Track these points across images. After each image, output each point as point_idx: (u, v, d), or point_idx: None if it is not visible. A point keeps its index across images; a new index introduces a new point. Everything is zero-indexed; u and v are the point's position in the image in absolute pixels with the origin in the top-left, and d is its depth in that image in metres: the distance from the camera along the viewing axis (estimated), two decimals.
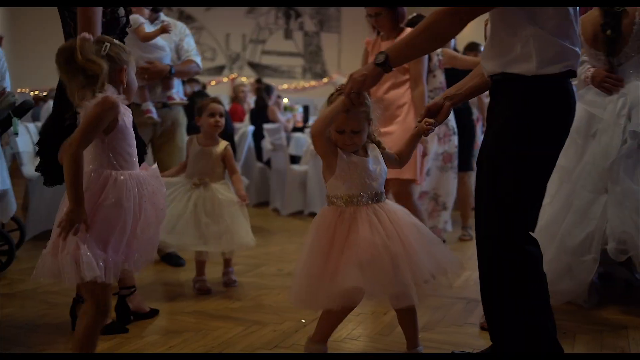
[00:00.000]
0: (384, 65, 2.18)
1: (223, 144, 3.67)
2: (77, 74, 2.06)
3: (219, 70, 13.64)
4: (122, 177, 2.09)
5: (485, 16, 2.26)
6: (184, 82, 6.04)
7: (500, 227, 2.17)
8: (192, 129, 4.60)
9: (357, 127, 2.33)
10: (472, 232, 5.26)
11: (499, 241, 2.18)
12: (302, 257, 2.38)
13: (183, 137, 4.45)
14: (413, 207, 3.71)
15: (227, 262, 3.79)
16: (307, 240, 2.40)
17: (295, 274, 2.43)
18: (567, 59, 2.11)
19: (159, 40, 4.21)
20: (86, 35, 2.10)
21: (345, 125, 2.31)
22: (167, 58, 4.27)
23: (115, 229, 2.07)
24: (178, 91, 4.40)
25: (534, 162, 2.15)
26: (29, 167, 5.26)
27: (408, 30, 3.66)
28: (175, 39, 4.44)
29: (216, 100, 3.71)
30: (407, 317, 2.48)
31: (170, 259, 4.38)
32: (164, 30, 4.16)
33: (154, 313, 3.16)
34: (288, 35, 14.30)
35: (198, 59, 4.51)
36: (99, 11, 2.70)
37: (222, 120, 3.65)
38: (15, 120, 3.88)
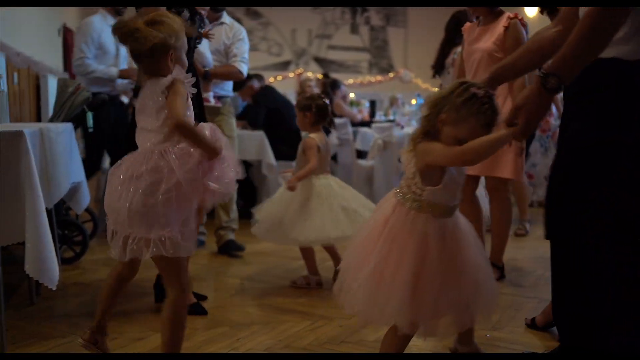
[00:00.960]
0: (558, 90, 1.97)
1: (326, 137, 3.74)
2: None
3: (285, 66, 13.70)
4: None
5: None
6: (249, 78, 6.10)
7: (598, 224, 2.05)
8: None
9: None
10: (529, 227, 5.19)
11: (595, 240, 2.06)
12: (376, 260, 2.08)
13: (232, 126, 4.47)
14: (507, 204, 3.70)
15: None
16: (382, 243, 2.10)
17: (359, 279, 2.11)
18: None
19: (201, 46, 4.09)
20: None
21: (471, 138, 2.02)
22: (204, 62, 4.20)
23: (192, 204, 2.14)
24: (217, 91, 4.43)
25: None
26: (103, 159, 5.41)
27: (506, 14, 3.53)
28: (227, 42, 4.44)
29: (322, 98, 3.66)
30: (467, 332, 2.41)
31: (230, 247, 4.45)
32: (205, 35, 4.06)
33: (200, 299, 3.24)
34: (354, 30, 14.23)
35: (244, 67, 4.43)
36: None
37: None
38: (89, 114, 3.98)
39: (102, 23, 4.95)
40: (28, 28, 6.96)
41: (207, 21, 4.32)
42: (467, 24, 3.87)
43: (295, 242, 3.53)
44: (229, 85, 4.62)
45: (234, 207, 4.60)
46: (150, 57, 2.11)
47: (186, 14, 2.95)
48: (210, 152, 2.08)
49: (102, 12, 5.07)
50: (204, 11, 4.16)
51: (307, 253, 3.67)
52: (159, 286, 3.01)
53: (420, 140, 2.11)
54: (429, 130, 2.11)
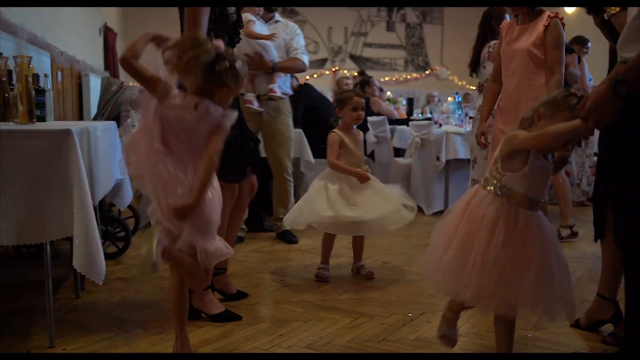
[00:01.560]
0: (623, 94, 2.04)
1: (360, 132, 3.85)
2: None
3: (321, 63, 13.71)
4: None
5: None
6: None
7: None
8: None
9: None
10: (563, 232, 4.99)
11: None
12: (458, 242, 2.20)
13: (290, 127, 4.77)
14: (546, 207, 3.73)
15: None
16: (462, 225, 2.22)
17: (444, 257, 2.23)
18: None
19: (265, 41, 4.50)
20: (216, 43, 2.22)
21: None
22: (271, 56, 4.54)
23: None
24: (280, 85, 4.61)
25: None
26: None
27: (546, 13, 3.50)
28: (287, 38, 4.78)
29: (359, 94, 3.76)
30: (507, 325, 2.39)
31: (285, 236, 4.74)
32: (268, 38, 4.48)
33: (241, 296, 3.31)
34: (390, 27, 14.19)
35: (305, 58, 4.80)
36: (205, 11, 2.76)
37: (363, 114, 3.75)
38: (132, 113, 4.05)
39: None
40: (71, 28, 7.08)
41: (276, 14, 4.78)
42: (506, 22, 3.84)
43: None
44: (288, 84, 4.89)
45: (292, 199, 4.86)
46: None
47: (233, 13, 2.98)
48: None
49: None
50: (260, 12, 4.41)
51: (327, 243, 3.81)
52: (191, 302, 3.04)
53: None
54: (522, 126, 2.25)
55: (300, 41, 4.84)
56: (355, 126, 3.76)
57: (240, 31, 3.10)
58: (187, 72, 2.18)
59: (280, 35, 4.72)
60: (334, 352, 2.61)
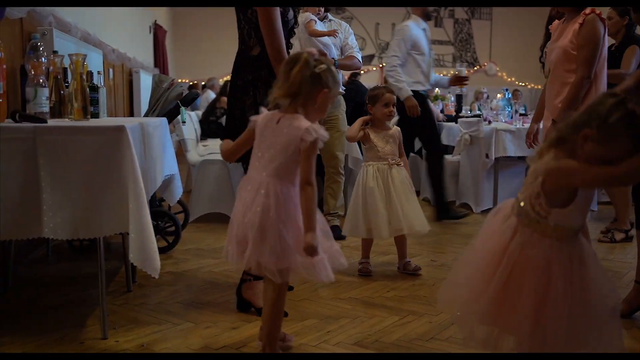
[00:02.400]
0: None
1: (395, 127, 3.87)
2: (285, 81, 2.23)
3: (368, 60, 13.68)
4: None
5: None
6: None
7: None
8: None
9: None
10: (617, 235, 4.82)
11: None
12: (495, 289, 1.91)
13: (344, 122, 4.86)
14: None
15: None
16: (503, 269, 1.90)
17: (478, 307, 1.95)
18: None
19: (326, 39, 4.68)
20: (313, 51, 2.25)
21: (620, 158, 1.79)
22: (331, 54, 4.66)
23: None
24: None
25: None
26: (193, 153, 5.55)
27: (586, 10, 3.42)
28: (342, 37, 4.89)
29: (390, 90, 3.83)
30: None
31: (333, 232, 4.58)
32: (331, 34, 4.66)
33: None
34: (438, 23, 14.08)
35: (359, 55, 4.93)
36: (277, 12, 2.84)
37: (394, 110, 3.80)
38: (182, 109, 4.10)
39: (416, 27, 5.44)
40: (122, 26, 7.20)
41: (329, 14, 4.90)
42: (555, 22, 3.77)
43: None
44: (341, 81, 4.98)
45: (341, 194, 4.95)
46: None
47: (291, 14, 3.03)
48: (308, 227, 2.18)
49: (413, 16, 5.53)
50: (320, 11, 4.69)
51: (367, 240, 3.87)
52: (240, 294, 3.06)
53: (552, 154, 1.88)
54: (561, 144, 1.87)
55: (353, 40, 4.97)
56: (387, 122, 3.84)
57: (295, 31, 3.14)
58: (296, 89, 2.20)
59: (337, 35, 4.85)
60: (382, 350, 2.61)
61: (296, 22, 3.11)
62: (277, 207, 2.19)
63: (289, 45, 3.03)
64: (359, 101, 6.14)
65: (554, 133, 1.91)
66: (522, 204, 1.92)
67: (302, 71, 2.18)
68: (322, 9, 4.81)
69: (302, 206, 2.18)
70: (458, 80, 5.80)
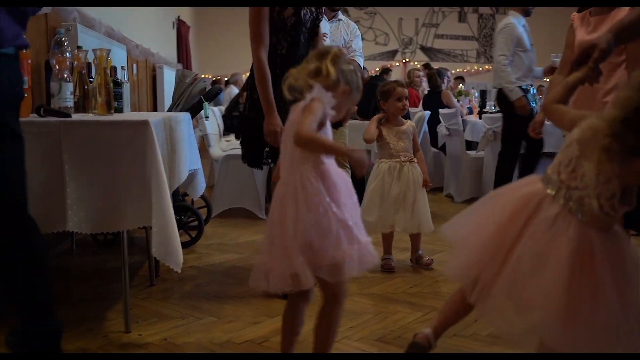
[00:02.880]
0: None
1: (408, 122, 3.85)
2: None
3: (391, 55, 13.63)
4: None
5: None
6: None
7: None
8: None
9: None
10: None
11: None
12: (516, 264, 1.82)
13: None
14: None
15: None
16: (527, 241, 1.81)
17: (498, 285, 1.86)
18: None
19: (327, 40, 4.45)
20: (344, 50, 2.18)
21: None
22: None
23: None
24: None
25: None
26: (216, 148, 5.57)
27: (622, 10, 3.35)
28: (346, 38, 4.79)
29: (401, 85, 3.82)
30: None
31: None
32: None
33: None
34: (462, 18, 13.98)
35: (361, 60, 4.85)
36: (263, 15, 2.91)
37: (407, 104, 3.78)
38: (205, 104, 4.11)
39: (518, 24, 5.37)
40: (145, 21, 7.24)
41: (325, 18, 4.66)
42: (575, 14, 3.69)
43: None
44: None
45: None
46: None
47: (291, 16, 3.03)
48: (342, 154, 2.03)
49: (513, 13, 5.44)
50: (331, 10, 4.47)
51: (387, 235, 3.86)
52: None
53: (624, 152, 1.70)
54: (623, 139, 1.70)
55: (358, 43, 4.86)
56: (400, 117, 3.81)
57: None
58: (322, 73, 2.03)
59: (340, 34, 4.76)
60: (405, 346, 2.58)
61: (299, 20, 3.07)
62: (296, 203, 1.95)
63: (294, 43, 3.01)
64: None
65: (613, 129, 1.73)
66: (569, 191, 1.81)
67: (334, 61, 2.03)
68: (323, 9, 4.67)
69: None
70: (553, 70, 5.71)
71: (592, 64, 2.08)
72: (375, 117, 3.79)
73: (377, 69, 12.23)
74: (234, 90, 10.45)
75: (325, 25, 4.61)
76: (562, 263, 1.74)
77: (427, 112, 6.30)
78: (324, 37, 4.48)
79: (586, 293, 1.74)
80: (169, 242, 2.47)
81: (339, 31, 4.76)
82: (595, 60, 2.07)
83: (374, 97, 5.96)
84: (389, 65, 12.80)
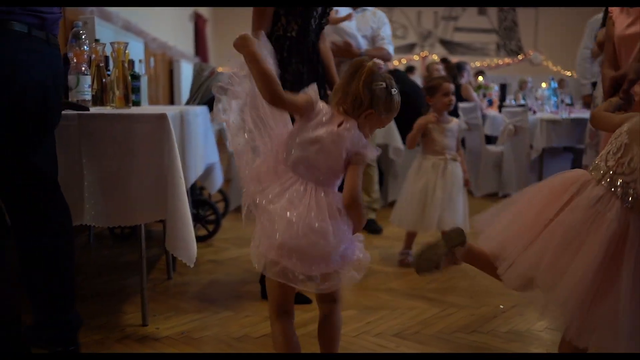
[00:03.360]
0: None
1: (455, 120, 3.81)
2: (347, 88, 1.87)
3: (409, 48, 13.55)
4: None
5: None
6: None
7: None
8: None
9: None
10: None
11: None
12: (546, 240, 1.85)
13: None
14: None
15: None
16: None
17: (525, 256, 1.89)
18: None
19: (352, 29, 4.45)
20: (379, 63, 1.95)
21: None
22: (357, 44, 4.49)
23: None
24: None
25: None
26: None
27: None
28: (374, 26, 4.71)
29: (447, 80, 3.79)
30: None
31: (368, 225, 4.57)
32: (347, 18, 4.42)
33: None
34: (482, 11, 13.86)
35: (390, 48, 4.74)
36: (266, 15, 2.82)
37: (454, 99, 3.73)
38: (224, 98, 4.09)
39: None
40: (163, 14, 7.24)
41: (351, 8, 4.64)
42: (613, 8, 3.60)
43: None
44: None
45: (376, 187, 4.87)
46: None
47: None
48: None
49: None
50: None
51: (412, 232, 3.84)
52: (263, 283, 3.05)
53: None
54: None
55: (386, 30, 4.77)
56: (447, 113, 3.75)
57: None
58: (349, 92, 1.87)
59: (368, 24, 4.69)
60: (423, 342, 2.57)
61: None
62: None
63: (304, 27, 2.97)
64: (401, 91, 6.02)
65: None
66: (615, 176, 1.85)
67: (364, 80, 1.85)
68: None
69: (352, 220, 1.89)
70: None
71: (622, 95, 2.17)
72: (420, 124, 3.71)
73: (396, 63, 12.18)
74: None
75: (344, 10, 4.56)
76: (599, 245, 1.77)
77: None
78: (351, 18, 4.45)
79: (607, 278, 1.76)
80: (182, 237, 2.45)
81: (365, 20, 4.70)
82: (625, 91, 2.15)
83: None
84: (405, 59, 12.75)
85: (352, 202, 1.83)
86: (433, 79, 3.82)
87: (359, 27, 4.57)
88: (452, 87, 3.71)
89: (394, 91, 1.88)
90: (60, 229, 2.21)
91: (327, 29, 3.98)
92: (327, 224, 1.80)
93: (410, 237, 3.82)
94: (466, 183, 3.75)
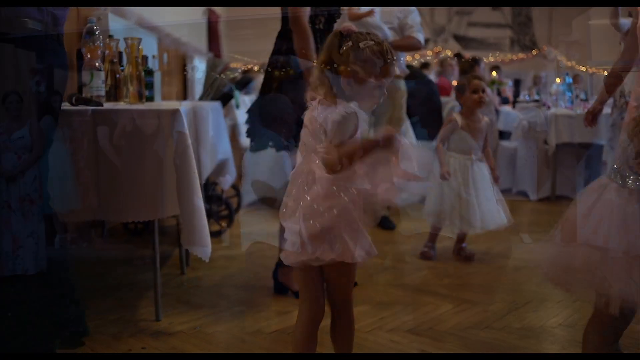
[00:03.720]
0: None
1: (486, 118, 3.75)
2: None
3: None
4: None
5: None
6: None
7: None
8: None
9: None
10: None
11: None
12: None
13: (401, 107, 4.55)
14: None
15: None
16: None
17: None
18: None
19: (376, 22, 4.32)
20: (347, 25, 1.91)
21: None
22: (383, 36, 4.37)
23: None
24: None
25: None
26: (246, 137, 5.55)
27: None
28: (400, 16, 4.51)
29: (477, 77, 3.76)
30: None
31: (381, 222, 4.51)
32: (369, 14, 4.26)
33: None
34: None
35: (420, 36, 4.50)
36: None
37: (485, 96, 3.68)
38: (236, 93, 4.10)
39: None
40: (176, 9, 7.23)
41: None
42: None
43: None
44: (403, 62, 4.72)
45: None
46: None
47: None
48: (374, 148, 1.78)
49: None
50: None
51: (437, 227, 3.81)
52: (276, 277, 3.05)
53: None
54: None
55: (415, 18, 4.56)
56: (478, 111, 3.71)
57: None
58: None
59: (393, 13, 4.54)
60: (436, 338, 2.56)
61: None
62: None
63: (330, 18, 2.96)
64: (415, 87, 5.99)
65: None
66: None
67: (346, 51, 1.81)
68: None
69: None
70: None
71: None
72: (446, 129, 3.68)
73: (409, 59, 12.13)
74: None
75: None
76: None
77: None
78: (373, 15, 4.37)
79: None
80: (197, 232, 2.46)
81: (389, 10, 4.55)
82: None
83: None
84: (419, 55, 12.67)
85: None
86: (463, 77, 3.77)
87: (384, 19, 4.43)
88: (482, 84, 3.67)
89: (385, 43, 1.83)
90: None
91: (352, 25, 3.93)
92: None
93: (436, 232, 3.78)
94: (496, 180, 3.67)
